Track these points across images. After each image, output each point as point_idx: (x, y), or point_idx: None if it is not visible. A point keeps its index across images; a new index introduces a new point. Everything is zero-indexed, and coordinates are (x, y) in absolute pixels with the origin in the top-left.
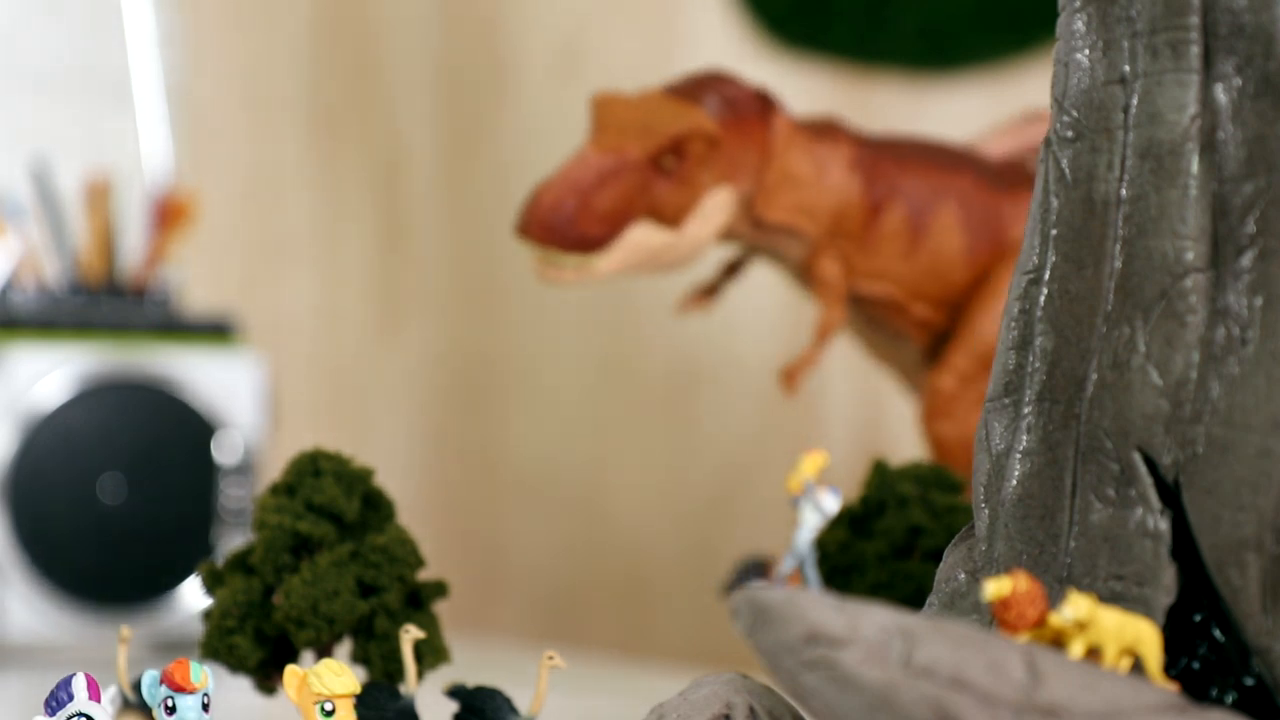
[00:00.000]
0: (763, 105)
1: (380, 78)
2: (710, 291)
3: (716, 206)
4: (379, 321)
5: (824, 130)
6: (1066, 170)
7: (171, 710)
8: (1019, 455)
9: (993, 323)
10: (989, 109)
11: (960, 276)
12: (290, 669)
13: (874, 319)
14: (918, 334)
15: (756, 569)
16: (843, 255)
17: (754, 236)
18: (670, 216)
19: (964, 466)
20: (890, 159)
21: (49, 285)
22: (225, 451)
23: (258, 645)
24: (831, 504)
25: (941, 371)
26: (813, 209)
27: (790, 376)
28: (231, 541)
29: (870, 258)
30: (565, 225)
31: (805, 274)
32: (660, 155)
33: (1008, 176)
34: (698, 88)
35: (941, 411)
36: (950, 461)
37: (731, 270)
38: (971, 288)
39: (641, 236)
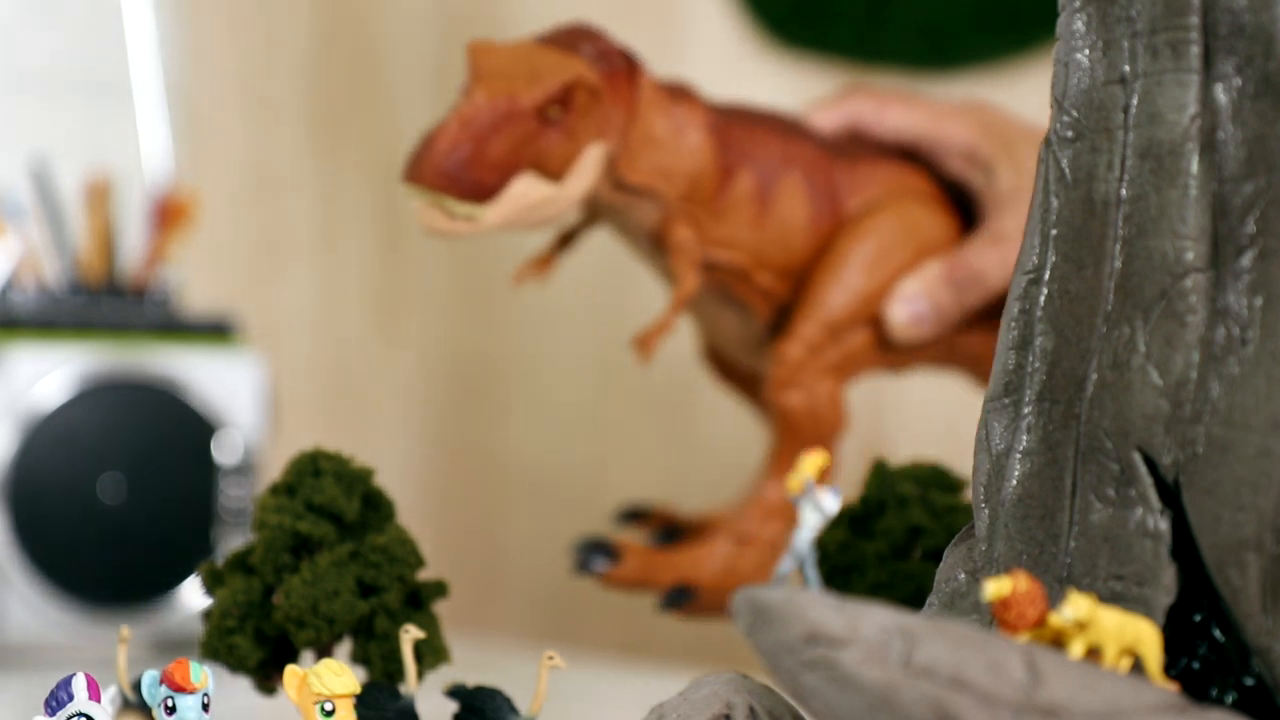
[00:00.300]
0: (629, 63)
1: (380, 78)
2: (545, 262)
3: (592, 162)
4: (379, 321)
5: (679, 93)
6: (1066, 170)
7: (171, 710)
8: (1019, 455)
9: (839, 292)
10: None
11: (803, 246)
12: (290, 669)
13: (720, 287)
14: (761, 305)
15: (597, 546)
16: (694, 221)
17: (610, 197)
18: (554, 169)
19: (810, 438)
20: (740, 125)
21: (49, 285)
22: (225, 451)
23: (258, 645)
24: (831, 504)
25: (789, 340)
26: (669, 172)
27: (644, 344)
28: (231, 541)
29: (720, 225)
30: (460, 171)
31: (656, 241)
32: (548, 105)
33: (843, 148)
34: (572, 38)
35: (789, 381)
36: (796, 432)
37: (565, 240)
38: (813, 258)
39: (525, 188)
